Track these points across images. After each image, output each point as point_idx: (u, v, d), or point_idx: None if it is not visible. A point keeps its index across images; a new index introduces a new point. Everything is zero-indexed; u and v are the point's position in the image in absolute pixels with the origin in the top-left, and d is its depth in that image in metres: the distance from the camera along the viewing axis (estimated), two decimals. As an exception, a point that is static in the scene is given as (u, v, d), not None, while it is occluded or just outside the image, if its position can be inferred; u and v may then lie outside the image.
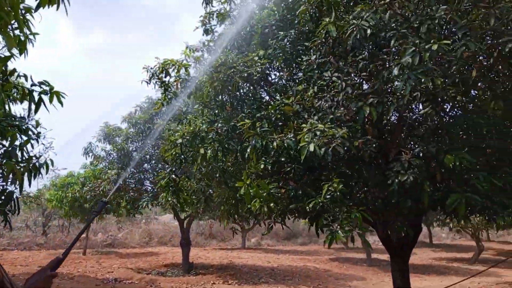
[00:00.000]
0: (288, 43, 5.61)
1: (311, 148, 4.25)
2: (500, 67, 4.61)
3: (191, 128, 6.07)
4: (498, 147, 4.88)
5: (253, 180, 4.95)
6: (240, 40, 6.34)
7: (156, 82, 6.70)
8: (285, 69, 5.72)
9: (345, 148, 4.43)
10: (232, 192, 6.42)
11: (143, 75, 7.10)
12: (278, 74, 5.86)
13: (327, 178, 5.16)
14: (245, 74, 5.33)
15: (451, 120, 5.11)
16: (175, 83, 6.78)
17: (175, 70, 6.47)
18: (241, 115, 5.58)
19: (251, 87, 5.64)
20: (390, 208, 5.33)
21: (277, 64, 5.60)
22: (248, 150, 4.86)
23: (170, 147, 6.39)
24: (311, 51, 5.26)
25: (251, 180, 4.78)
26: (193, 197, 7.08)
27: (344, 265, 16.82)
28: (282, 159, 5.10)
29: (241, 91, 5.66)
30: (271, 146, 4.76)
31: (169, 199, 6.45)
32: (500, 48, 4.27)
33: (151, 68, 6.52)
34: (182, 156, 6.20)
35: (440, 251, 24.47)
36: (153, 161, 13.81)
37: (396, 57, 4.43)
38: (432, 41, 3.83)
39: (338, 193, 4.52)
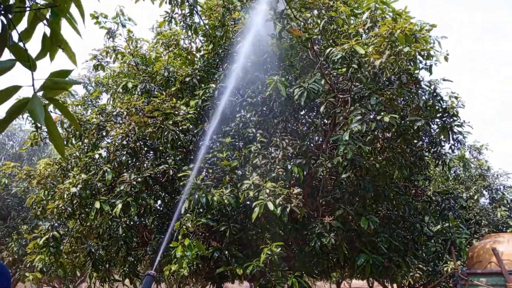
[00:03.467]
0: (217, 95, 5.49)
1: (270, 206, 4.15)
2: (398, 141, 5.45)
3: (85, 177, 5.18)
4: (395, 213, 5.70)
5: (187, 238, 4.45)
6: (153, 84, 5.91)
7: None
8: (211, 121, 5.53)
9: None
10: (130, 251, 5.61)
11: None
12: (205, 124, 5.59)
13: (257, 238, 5.07)
14: (177, 121, 4.94)
15: (363, 187, 5.72)
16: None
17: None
18: (164, 166, 5.07)
19: (180, 134, 5.21)
20: (305, 269, 5.51)
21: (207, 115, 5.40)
22: (186, 205, 4.41)
23: (52, 198, 5.27)
24: (245, 108, 5.29)
25: (188, 239, 4.29)
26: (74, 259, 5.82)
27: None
28: (217, 217, 4.79)
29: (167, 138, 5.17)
30: (211, 202, 4.45)
31: (47, 261, 5.18)
32: (402, 125, 5.09)
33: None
34: (70, 210, 5.17)
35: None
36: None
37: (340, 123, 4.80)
38: (382, 113, 4.34)
39: (276, 256, 4.48)
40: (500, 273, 5.26)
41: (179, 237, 4.36)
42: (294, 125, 5.45)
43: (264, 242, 4.67)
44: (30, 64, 1.22)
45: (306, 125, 5.33)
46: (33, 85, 1.17)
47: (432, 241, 5.89)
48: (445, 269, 8.39)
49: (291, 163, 5.05)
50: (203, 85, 5.64)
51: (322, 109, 4.99)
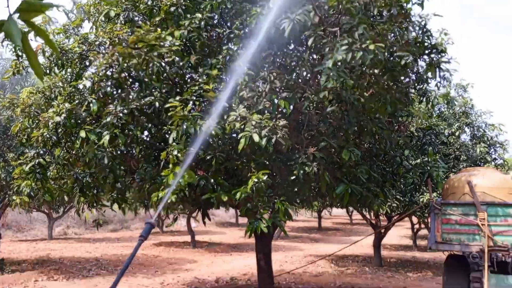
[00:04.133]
0: (204, 27, 5.33)
1: (256, 138, 4.23)
2: (385, 77, 5.47)
3: (68, 106, 5.13)
4: (377, 146, 5.86)
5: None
6: (137, 13, 5.68)
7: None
8: (198, 54, 5.41)
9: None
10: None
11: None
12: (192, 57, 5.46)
13: (243, 168, 5.22)
14: (162, 53, 4.83)
15: (347, 121, 5.80)
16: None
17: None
18: (150, 98, 5.05)
19: (165, 66, 5.12)
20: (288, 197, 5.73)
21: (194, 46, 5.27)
22: (174, 135, 4.46)
23: (37, 126, 5.27)
24: (232, 42, 5.18)
25: (179, 168, 4.41)
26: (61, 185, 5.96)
27: (171, 249, 16.88)
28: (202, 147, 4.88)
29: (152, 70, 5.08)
30: (199, 133, 4.51)
31: (34, 186, 5.31)
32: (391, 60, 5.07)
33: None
34: (55, 138, 5.19)
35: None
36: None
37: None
38: (368, 41, 4.28)
39: (263, 184, 4.64)
40: (472, 203, 5.60)
41: (170, 166, 4.47)
42: (282, 59, 5.38)
43: (250, 171, 4.82)
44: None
45: (294, 59, 5.26)
46: (8, 6, 1.15)
47: (411, 173, 6.15)
48: (421, 200, 8.84)
49: (278, 97, 5.06)
50: (188, 15, 5.44)
51: (310, 42, 4.90)
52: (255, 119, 4.41)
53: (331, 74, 4.40)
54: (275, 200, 4.72)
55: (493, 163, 11.85)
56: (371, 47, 4.23)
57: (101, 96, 5.10)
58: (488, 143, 11.89)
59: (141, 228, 27.45)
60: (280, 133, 4.36)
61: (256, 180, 4.60)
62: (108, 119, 4.79)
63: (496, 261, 6.17)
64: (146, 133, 5.70)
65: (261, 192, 4.73)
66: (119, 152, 5.47)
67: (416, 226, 18.35)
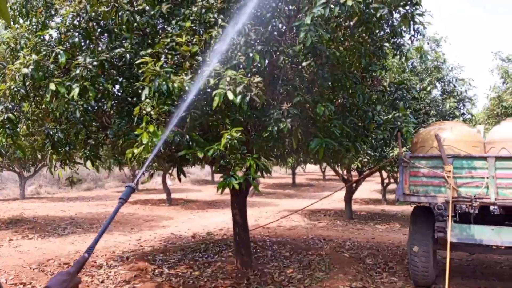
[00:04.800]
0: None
1: (230, 96, 4.19)
2: (360, 30, 5.43)
3: (36, 57, 4.91)
4: (350, 101, 5.91)
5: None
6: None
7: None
8: (170, 2, 5.19)
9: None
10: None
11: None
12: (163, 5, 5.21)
13: (218, 124, 5.19)
14: (132, 1, 4.62)
15: (322, 76, 5.80)
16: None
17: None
18: (120, 49, 4.87)
19: (136, 15, 4.89)
20: (262, 153, 5.79)
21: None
22: (147, 91, 4.36)
23: (3, 79, 5.04)
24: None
25: (152, 126, 4.33)
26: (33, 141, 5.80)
27: (147, 207, 16.99)
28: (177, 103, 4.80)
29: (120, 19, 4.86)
30: (172, 89, 4.42)
31: (4, 143, 5.15)
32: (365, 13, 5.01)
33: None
34: (23, 91, 4.99)
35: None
36: None
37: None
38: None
39: (236, 141, 4.64)
40: (439, 156, 5.81)
41: (143, 124, 4.38)
42: (257, 11, 5.23)
43: (225, 128, 4.80)
44: None
45: (269, 11, 5.13)
46: None
47: (381, 128, 6.28)
48: (391, 154, 9.12)
49: (253, 51, 4.97)
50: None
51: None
52: (229, 75, 4.34)
53: (310, 31, 4.34)
54: (248, 157, 4.74)
55: (461, 118, 12.24)
56: (349, 2, 4.18)
57: (69, 47, 4.88)
58: (457, 98, 12.20)
59: (116, 186, 27.48)
60: (255, 90, 4.32)
61: (229, 137, 4.58)
62: (78, 71, 4.61)
63: (460, 212, 6.52)
64: (117, 87, 5.54)
65: (234, 149, 4.73)
66: (89, 107, 5.32)
67: (386, 180, 19.02)
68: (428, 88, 11.56)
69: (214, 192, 24.13)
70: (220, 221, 13.28)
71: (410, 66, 12.09)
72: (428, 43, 12.24)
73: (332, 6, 4.26)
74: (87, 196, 22.03)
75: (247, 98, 4.38)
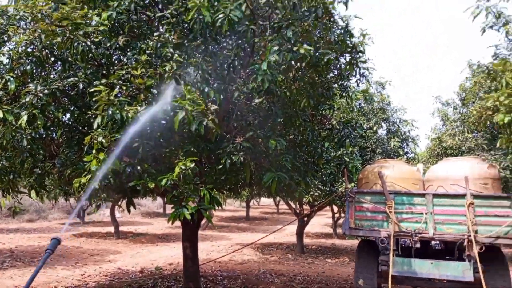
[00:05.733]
0: (133, 9, 5.20)
1: (184, 115, 4.26)
2: (310, 72, 5.78)
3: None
4: (301, 137, 6.18)
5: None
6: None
7: None
8: (127, 36, 5.27)
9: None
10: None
11: None
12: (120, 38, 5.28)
13: (171, 156, 5.23)
14: (89, 32, 4.66)
15: (274, 113, 6.04)
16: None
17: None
18: (73, 79, 4.87)
19: (91, 46, 4.91)
20: (216, 184, 5.86)
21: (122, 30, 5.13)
22: (99, 120, 4.36)
23: None
24: (163, 27, 5.13)
25: (102, 154, 4.30)
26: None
27: (93, 240, 16.27)
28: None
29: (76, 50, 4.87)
30: (126, 118, 4.45)
31: None
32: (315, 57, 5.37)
33: None
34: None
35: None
36: None
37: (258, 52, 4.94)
38: (298, 44, 4.53)
39: (189, 171, 4.70)
40: (382, 192, 6.14)
41: (93, 151, 4.35)
42: (215, 48, 5.45)
43: (178, 159, 4.84)
44: None
45: (226, 49, 5.36)
46: None
47: (330, 164, 6.57)
48: (340, 189, 9.46)
49: (209, 87, 5.10)
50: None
51: (243, 37, 5.02)
52: (187, 102, 4.43)
53: (266, 74, 4.57)
54: (201, 188, 4.80)
55: (405, 156, 12.96)
56: (302, 51, 4.49)
57: (20, 74, 4.81)
58: (401, 137, 12.96)
59: (60, 218, 26.11)
60: (211, 116, 4.45)
61: (183, 167, 4.63)
62: (27, 99, 4.53)
63: (402, 246, 6.83)
64: (68, 115, 5.47)
65: (188, 179, 4.77)
66: (37, 136, 5.20)
67: (337, 215, 19.47)
68: (374, 128, 12.22)
69: (165, 225, 23.53)
70: (170, 255, 12.96)
71: (358, 107, 12.77)
72: (372, 87, 13.07)
73: (285, 53, 4.56)
74: (29, 228, 20.76)
75: (204, 123, 4.47)
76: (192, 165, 4.68)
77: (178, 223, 5.03)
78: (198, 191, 4.84)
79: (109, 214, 18.34)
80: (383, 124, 12.98)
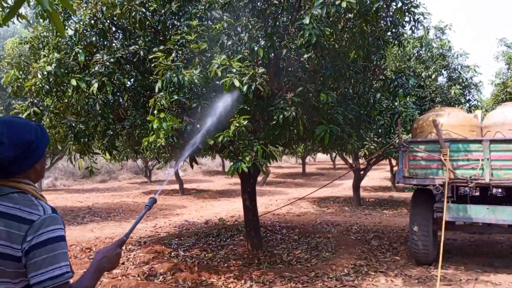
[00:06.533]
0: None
1: (236, 83, 4.54)
2: (359, 22, 5.72)
3: (58, 55, 5.31)
4: (351, 90, 6.22)
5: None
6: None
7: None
8: (179, 1, 5.54)
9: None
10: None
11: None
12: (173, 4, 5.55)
13: (226, 114, 5.54)
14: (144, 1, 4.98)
15: (323, 67, 6.11)
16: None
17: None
18: (134, 47, 5.25)
19: (148, 14, 5.24)
20: (270, 140, 6.14)
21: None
22: (159, 84, 4.74)
23: (27, 77, 5.47)
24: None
25: (163, 113, 4.72)
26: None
27: (161, 197, 17.49)
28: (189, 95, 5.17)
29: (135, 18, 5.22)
30: (182, 81, 4.78)
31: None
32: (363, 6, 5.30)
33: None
34: (47, 87, 5.41)
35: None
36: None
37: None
38: (340, -3, 4.53)
39: (243, 128, 4.99)
40: (436, 141, 6.10)
41: (155, 111, 4.77)
42: (262, 5, 5.55)
43: (233, 117, 5.16)
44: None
45: (273, 6, 5.45)
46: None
47: (383, 115, 6.57)
48: (396, 140, 9.37)
49: (257, 45, 5.28)
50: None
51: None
52: (235, 67, 4.68)
53: (313, 28, 4.64)
54: (255, 143, 5.10)
55: (467, 104, 12.40)
56: (344, 4, 4.50)
57: (86, 45, 5.28)
58: (463, 85, 12.35)
59: (129, 178, 28.12)
60: (260, 80, 4.66)
61: (237, 124, 4.94)
62: (96, 68, 5.01)
63: (457, 193, 6.82)
64: (132, 81, 5.94)
65: (242, 136, 5.08)
66: (107, 100, 5.73)
67: (395, 168, 19.23)
68: (434, 76, 11.73)
69: (225, 181, 24.62)
70: (231, 209, 13.73)
71: (416, 54, 12.26)
72: (428, 32, 12.36)
73: (330, 5, 4.58)
74: (102, 188, 22.69)
75: (252, 87, 4.72)
76: (245, 122, 4.98)
77: (237, 180, 5.41)
78: (252, 146, 5.15)
79: (173, 173, 19.53)
80: (443, 71, 12.40)
